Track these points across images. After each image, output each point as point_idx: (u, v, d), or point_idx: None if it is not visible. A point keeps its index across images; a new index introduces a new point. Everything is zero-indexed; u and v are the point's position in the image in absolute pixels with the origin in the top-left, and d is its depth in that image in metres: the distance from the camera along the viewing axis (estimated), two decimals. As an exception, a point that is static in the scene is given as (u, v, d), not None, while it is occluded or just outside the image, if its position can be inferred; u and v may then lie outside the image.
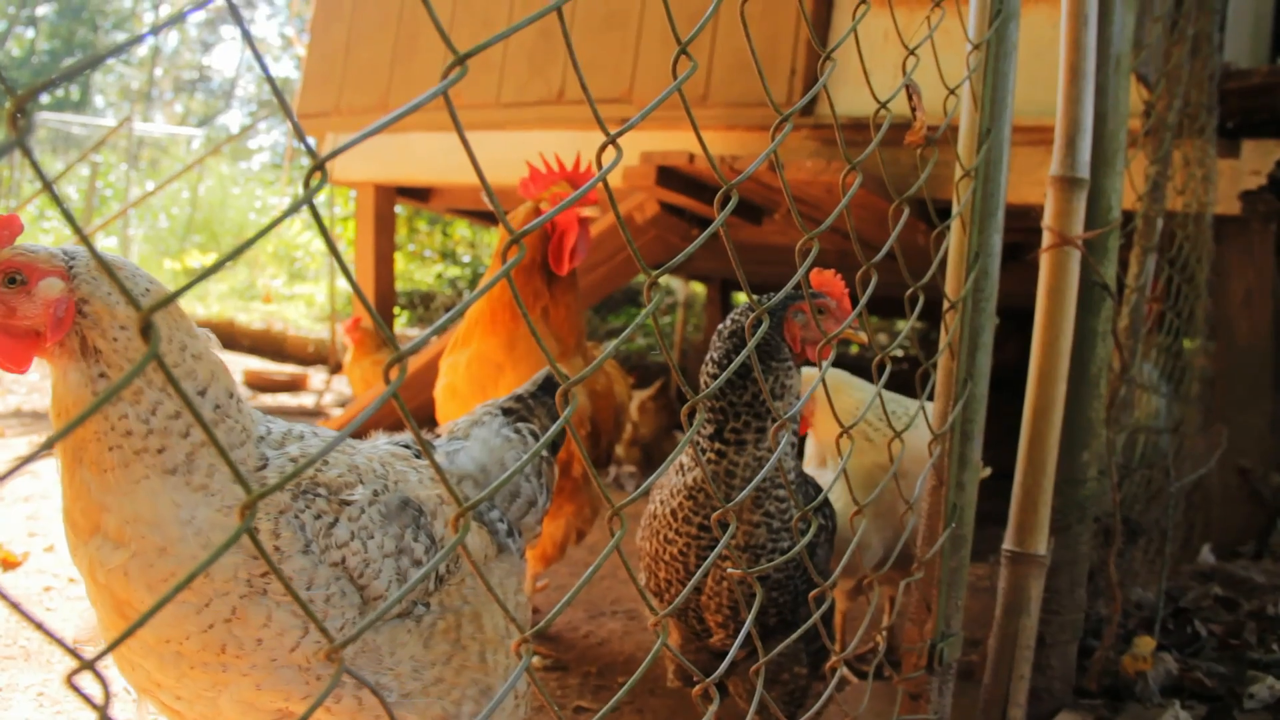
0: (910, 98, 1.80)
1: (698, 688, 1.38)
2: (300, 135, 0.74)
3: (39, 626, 0.69)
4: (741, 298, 10.71)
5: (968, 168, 1.98)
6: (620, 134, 1.07)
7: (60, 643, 0.72)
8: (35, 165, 0.76)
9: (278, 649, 1.31)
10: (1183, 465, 3.33)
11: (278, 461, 1.38)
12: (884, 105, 1.68)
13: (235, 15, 0.83)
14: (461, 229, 12.47)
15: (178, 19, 0.85)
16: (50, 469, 2.46)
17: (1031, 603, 2.09)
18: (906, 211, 1.71)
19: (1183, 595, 2.91)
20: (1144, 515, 2.83)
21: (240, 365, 9.16)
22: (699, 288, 10.54)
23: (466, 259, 12.63)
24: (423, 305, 11.99)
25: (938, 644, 1.92)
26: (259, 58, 0.90)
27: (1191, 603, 2.84)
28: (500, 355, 2.73)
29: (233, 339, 10.53)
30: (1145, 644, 2.34)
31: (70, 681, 0.74)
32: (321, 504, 1.38)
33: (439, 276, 12.83)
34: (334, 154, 0.74)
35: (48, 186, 0.67)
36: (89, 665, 0.73)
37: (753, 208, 4.64)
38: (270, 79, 0.76)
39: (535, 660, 2.93)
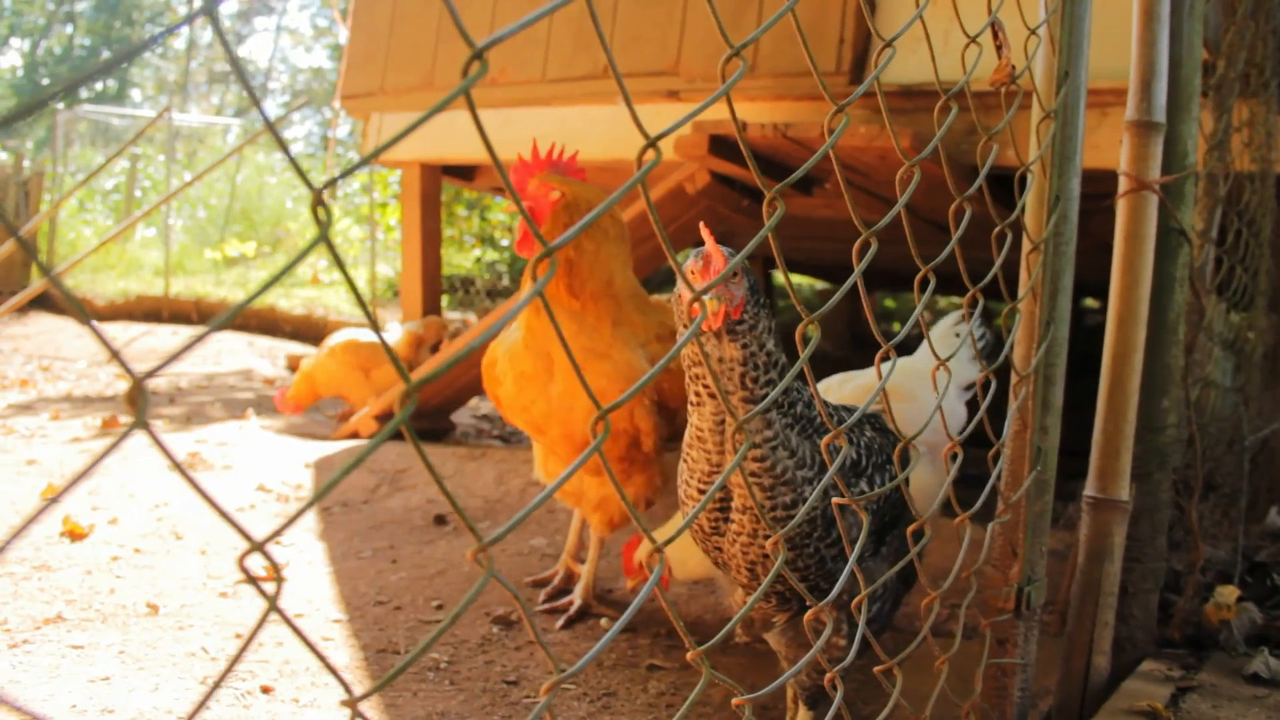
0: (995, 35, 1.78)
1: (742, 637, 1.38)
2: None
3: (231, 521, 0.70)
4: (779, 278, 10.59)
5: (1048, 109, 1.95)
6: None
7: (232, 521, 0.73)
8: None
9: None
10: (1249, 426, 3.28)
11: None
12: (974, 39, 1.66)
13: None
14: (499, 214, 12.51)
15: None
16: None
17: (1115, 549, 2.07)
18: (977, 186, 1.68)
19: (1255, 553, 2.87)
20: (1215, 472, 2.79)
21: (283, 350, 9.24)
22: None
23: (505, 243, 12.66)
24: (463, 289, 12.05)
25: (1024, 588, 1.91)
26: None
27: (1268, 557, 2.81)
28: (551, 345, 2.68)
29: (274, 325, 10.59)
30: (1229, 592, 2.31)
31: (241, 564, 0.75)
32: None
33: (478, 261, 12.88)
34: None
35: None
36: (259, 546, 0.74)
37: (803, 177, 4.60)
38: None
39: (603, 622, 2.95)
